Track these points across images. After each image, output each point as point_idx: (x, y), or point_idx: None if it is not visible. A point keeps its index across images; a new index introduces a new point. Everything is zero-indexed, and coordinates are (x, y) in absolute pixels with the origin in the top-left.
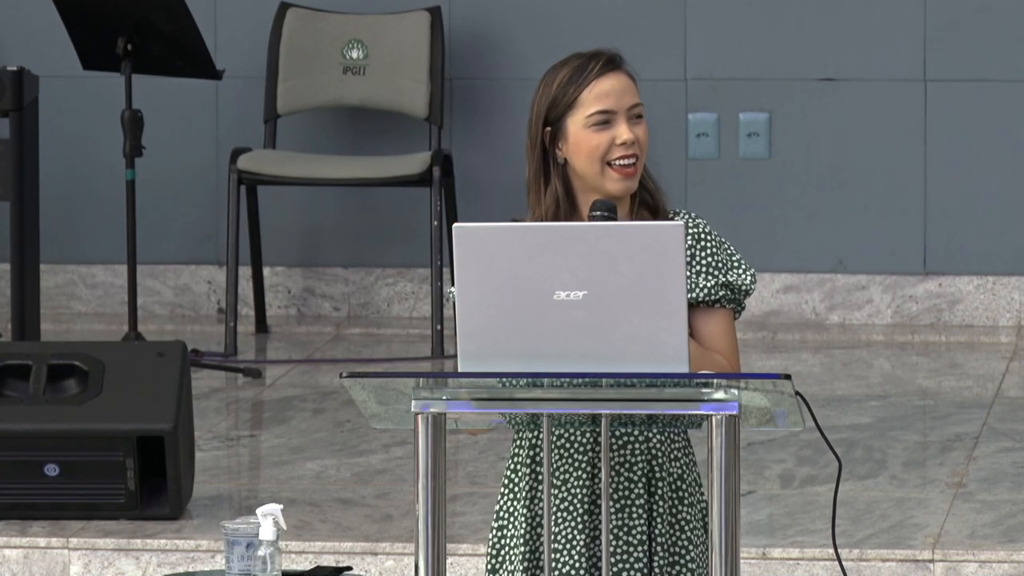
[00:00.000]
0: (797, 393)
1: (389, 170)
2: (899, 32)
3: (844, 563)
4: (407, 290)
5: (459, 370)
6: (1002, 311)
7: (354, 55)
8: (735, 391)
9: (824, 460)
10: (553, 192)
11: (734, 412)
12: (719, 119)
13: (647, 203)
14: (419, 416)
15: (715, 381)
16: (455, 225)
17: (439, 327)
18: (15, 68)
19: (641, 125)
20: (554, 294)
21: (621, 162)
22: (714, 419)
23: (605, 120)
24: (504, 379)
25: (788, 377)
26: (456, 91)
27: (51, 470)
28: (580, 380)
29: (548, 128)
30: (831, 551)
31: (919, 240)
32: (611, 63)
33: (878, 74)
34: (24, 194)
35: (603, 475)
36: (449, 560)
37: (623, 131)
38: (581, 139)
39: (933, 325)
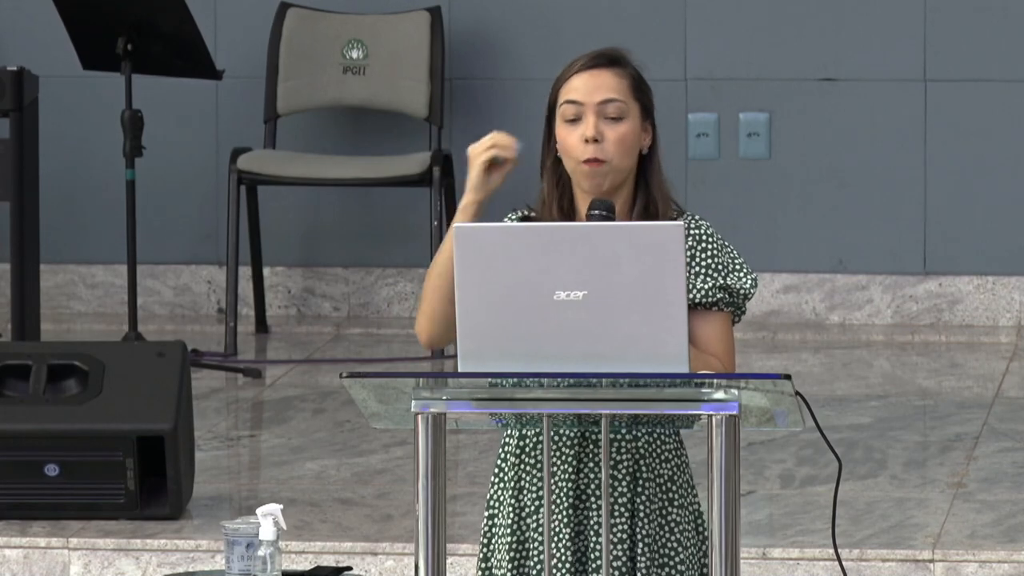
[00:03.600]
0: (797, 393)
1: (389, 170)
2: (899, 32)
3: (844, 563)
4: (407, 290)
5: (459, 370)
6: (1002, 311)
7: (354, 55)
8: (735, 391)
9: (824, 460)
10: (549, 186)
11: (734, 412)
12: (719, 119)
13: (651, 212)
14: (419, 416)
15: (715, 381)
16: (455, 225)
17: None
18: (15, 68)
19: (615, 125)
20: (554, 294)
21: (586, 159)
22: (714, 419)
23: (574, 116)
24: (504, 379)
25: (788, 377)
26: (456, 91)
27: (51, 470)
28: (580, 380)
29: (550, 124)
30: (831, 551)
31: (919, 240)
32: (595, 60)
33: (878, 74)
34: (24, 194)
35: (603, 475)
36: (449, 560)
37: (586, 127)
38: (560, 136)
39: (933, 325)
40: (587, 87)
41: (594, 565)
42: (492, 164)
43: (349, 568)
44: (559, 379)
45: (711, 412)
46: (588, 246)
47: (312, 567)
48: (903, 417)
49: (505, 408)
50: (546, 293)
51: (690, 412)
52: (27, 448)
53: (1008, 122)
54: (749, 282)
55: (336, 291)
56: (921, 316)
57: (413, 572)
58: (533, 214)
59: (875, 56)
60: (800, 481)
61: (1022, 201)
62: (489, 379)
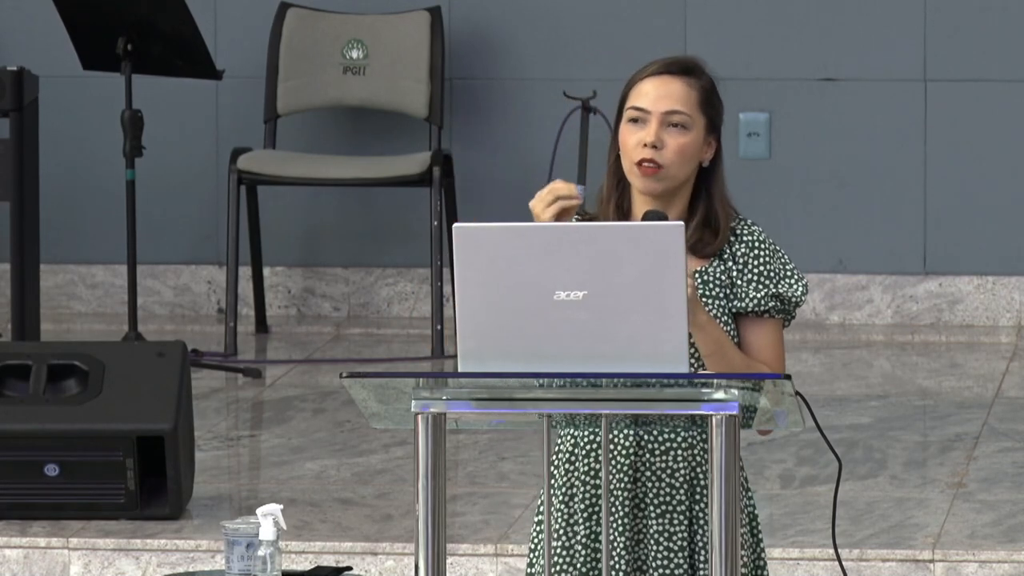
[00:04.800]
0: (797, 393)
1: (389, 170)
2: (899, 32)
3: (844, 563)
4: (407, 290)
5: (459, 370)
6: (1002, 311)
7: (354, 55)
8: (735, 391)
9: (824, 460)
10: (609, 184)
11: (734, 412)
12: None
13: (712, 225)
14: (419, 416)
15: (715, 381)
16: (455, 225)
17: (439, 327)
18: (15, 68)
19: (676, 135)
20: (554, 294)
21: (640, 159)
22: (714, 419)
23: (637, 118)
24: (504, 379)
25: (788, 377)
26: (456, 91)
27: (51, 470)
28: (580, 380)
29: (618, 123)
30: (831, 551)
31: (919, 240)
32: (667, 67)
33: (878, 74)
34: (24, 194)
35: (603, 475)
36: (449, 560)
37: (647, 132)
38: (621, 135)
39: (933, 325)
40: (655, 94)
41: (655, 575)
42: (561, 214)
43: (349, 568)
44: (559, 379)
45: (711, 412)
46: (588, 246)
47: (312, 567)
48: (903, 417)
49: (505, 408)
50: (546, 293)
51: (690, 412)
52: (27, 448)
53: (1008, 122)
54: (800, 289)
55: (336, 291)
56: (921, 316)
57: (413, 572)
58: (588, 213)
59: (875, 56)
60: (800, 481)
61: (1022, 201)
62: (489, 379)
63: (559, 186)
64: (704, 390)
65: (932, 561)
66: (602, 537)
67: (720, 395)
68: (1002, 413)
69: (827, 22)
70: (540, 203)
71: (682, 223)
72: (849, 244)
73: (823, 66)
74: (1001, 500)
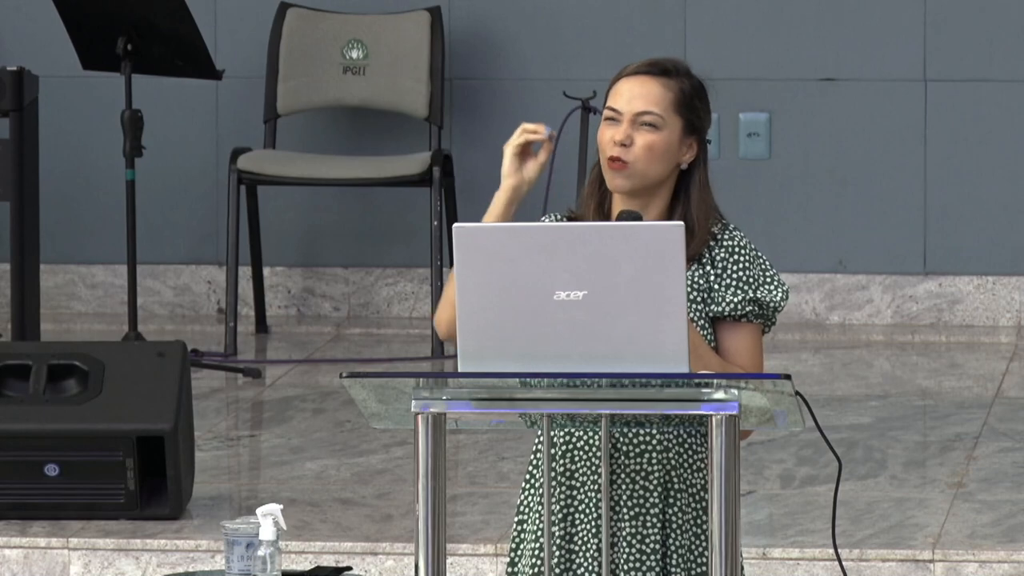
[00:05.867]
0: (797, 393)
1: (389, 170)
2: (899, 32)
3: (844, 563)
4: (407, 290)
5: (459, 370)
6: (1002, 311)
7: (354, 55)
8: (735, 391)
9: (824, 460)
10: (591, 185)
11: (734, 412)
12: (719, 119)
13: (688, 228)
14: (419, 416)
15: (715, 381)
16: (455, 225)
17: None
18: (15, 68)
19: (646, 133)
20: (554, 294)
21: (609, 156)
22: (714, 419)
23: (611, 118)
24: (504, 379)
25: (788, 377)
26: (456, 91)
27: (51, 470)
28: (580, 380)
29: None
30: (831, 551)
31: (919, 240)
32: (645, 68)
33: (878, 74)
34: (24, 194)
35: (603, 476)
36: (449, 560)
37: (617, 131)
38: (599, 132)
39: (933, 325)
40: (630, 94)
41: None
42: (526, 152)
43: (349, 568)
44: (559, 379)
45: (711, 412)
46: (588, 246)
47: (312, 567)
48: (903, 417)
49: (505, 408)
50: (546, 293)
51: (690, 412)
52: (27, 448)
53: (1008, 122)
54: (780, 295)
55: (336, 291)
56: (921, 316)
57: (413, 572)
58: (573, 215)
59: (875, 56)
60: (800, 481)
61: (1022, 201)
62: (489, 379)
63: (527, 124)
64: (704, 390)
65: (932, 561)
66: (602, 537)
67: (720, 395)
68: (1002, 413)
69: (827, 22)
70: (511, 139)
71: (682, 223)
72: (849, 244)
73: (823, 66)
74: (1001, 500)
